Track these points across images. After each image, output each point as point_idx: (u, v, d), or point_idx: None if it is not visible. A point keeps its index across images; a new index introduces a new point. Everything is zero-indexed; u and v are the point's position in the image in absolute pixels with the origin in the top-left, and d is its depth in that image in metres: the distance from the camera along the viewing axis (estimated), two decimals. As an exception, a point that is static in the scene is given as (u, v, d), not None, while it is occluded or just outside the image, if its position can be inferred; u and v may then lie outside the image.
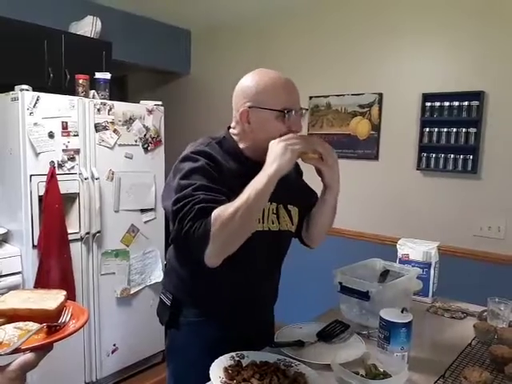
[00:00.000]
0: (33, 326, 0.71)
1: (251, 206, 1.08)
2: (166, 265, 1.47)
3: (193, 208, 1.09)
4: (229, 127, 1.35)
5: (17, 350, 0.66)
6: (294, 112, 1.24)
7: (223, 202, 1.11)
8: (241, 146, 1.31)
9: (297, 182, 1.52)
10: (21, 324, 0.71)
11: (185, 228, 1.09)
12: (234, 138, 1.31)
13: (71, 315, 0.77)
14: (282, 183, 1.30)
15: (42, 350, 0.69)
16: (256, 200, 1.09)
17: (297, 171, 1.53)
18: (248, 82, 1.28)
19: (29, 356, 0.67)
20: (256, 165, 1.21)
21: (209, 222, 1.07)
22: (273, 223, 1.34)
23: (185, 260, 1.34)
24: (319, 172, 1.30)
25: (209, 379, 1.08)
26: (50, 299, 0.78)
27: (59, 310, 0.77)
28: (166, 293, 1.41)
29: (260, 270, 1.36)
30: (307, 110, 1.31)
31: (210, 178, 1.16)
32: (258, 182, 1.10)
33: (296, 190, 1.46)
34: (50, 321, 0.74)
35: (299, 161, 1.26)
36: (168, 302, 1.38)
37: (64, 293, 0.82)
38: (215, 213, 1.07)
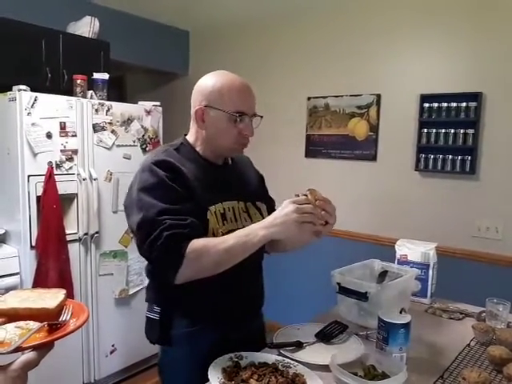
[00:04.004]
0: (34, 324, 0.71)
1: (233, 255, 1.15)
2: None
3: (161, 235, 1.13)
4: (185, 134, 1.39)
5: (18, 349, 0.66)
6: (246, 117, 1.28)
7: (190, 224, 1.16)
8: (197, 148, 1.34)
9: (259, 184, 1.54)
10: (22, 323, 0.71)
11: (154, 254, 1.14)
12: (191, 142, 1.35)
13: (72, 313, 0.78)
14: (247, 182, 1.43)
15: (44, 349, 0.69)
16: (239, 252, 1.16)
17: (258, 173, 1.57)
18: (206, 81, 1.30)
19: (30, 355, 0.67)
20: (214, 166, 1.34)
21: (183, 250, 1.12)
22: (245, 221, 1.33)
23: None
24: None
25: None
26: (50, 298, 0.78)
27: (59, 309, 0.78)
28: (152, 308, 1.35)
29: (243, 264, 1.27)
30: (262, 117, 1.33)
31: (170, 193, 1.19)
32: (251, 238, 1.14)
33: (259, 190, 1.51)
34: (51, 319, 0.74)
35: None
36: (156, 317, 1.33)
37: (64, 291, 0.82)
38: (194, 244, 1.14)
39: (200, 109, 1.28)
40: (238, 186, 1.40)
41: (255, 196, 1.42)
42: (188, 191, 1.22)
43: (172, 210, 1.16)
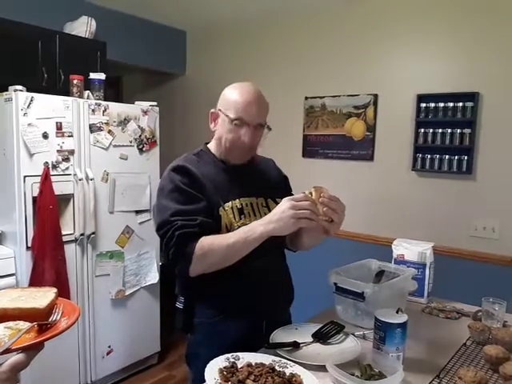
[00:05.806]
0: (23, 325, 0.70)
1: (236, 251, 1.25)
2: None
3: (173, 234, 1.26)
4: (206, 143, 1.51)
5: (7, 351, 0.65)
6: (246, 125, 1.36)
7: (199, 223, 1.27)
8: (216, 152, 1.45)
9: (282, 184, 1.61)
10: (11, 323, 0.70)
11: (170, 252, 1.28)
12: (211, 147, 1.47)
13: (62, 313, 0.76)
14: (268, 180, 1.53)
15: (34, 350, 0.68)
16: (241, 248, 1.25)
17: (281, 174, 1.64)
18: (225, 89, 1.44)
19: (20, 356, 0.67)
20: (231, 167, 1.43)
21: (193, 248, 1.25)
22: (265, 214, 1.37)
23: None
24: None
25: None
26: (41, 297, 0.77)
27: (50, 308, 0.76)
28: (179, 298, 1.46)
29: (264, 256, 1.37)
30: (270, 129, 1.42)
31: (183, 196, 1.32)
32: (250, 234, 1.23)
33: (282, 189, 1.56)
34: (41, 319, 0.73)
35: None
36: (181, 306, 1.44)
37: (55, 290, 0.81)
38: (202, 242, 1.26)
39: (214, 112, 1.42)
40: (258, 183, 1.49)
41: (276, 193, 1.48)
42: (201, 191, 1.33)
43: (184, 211, 1.29)
